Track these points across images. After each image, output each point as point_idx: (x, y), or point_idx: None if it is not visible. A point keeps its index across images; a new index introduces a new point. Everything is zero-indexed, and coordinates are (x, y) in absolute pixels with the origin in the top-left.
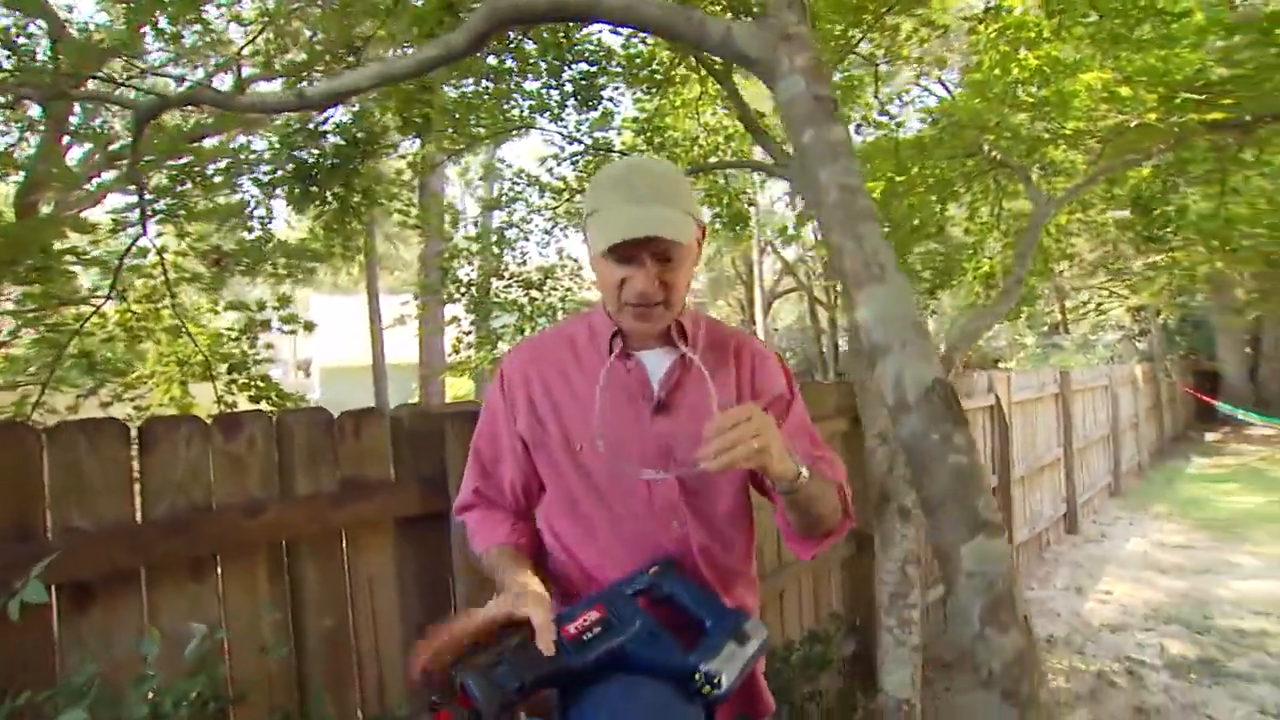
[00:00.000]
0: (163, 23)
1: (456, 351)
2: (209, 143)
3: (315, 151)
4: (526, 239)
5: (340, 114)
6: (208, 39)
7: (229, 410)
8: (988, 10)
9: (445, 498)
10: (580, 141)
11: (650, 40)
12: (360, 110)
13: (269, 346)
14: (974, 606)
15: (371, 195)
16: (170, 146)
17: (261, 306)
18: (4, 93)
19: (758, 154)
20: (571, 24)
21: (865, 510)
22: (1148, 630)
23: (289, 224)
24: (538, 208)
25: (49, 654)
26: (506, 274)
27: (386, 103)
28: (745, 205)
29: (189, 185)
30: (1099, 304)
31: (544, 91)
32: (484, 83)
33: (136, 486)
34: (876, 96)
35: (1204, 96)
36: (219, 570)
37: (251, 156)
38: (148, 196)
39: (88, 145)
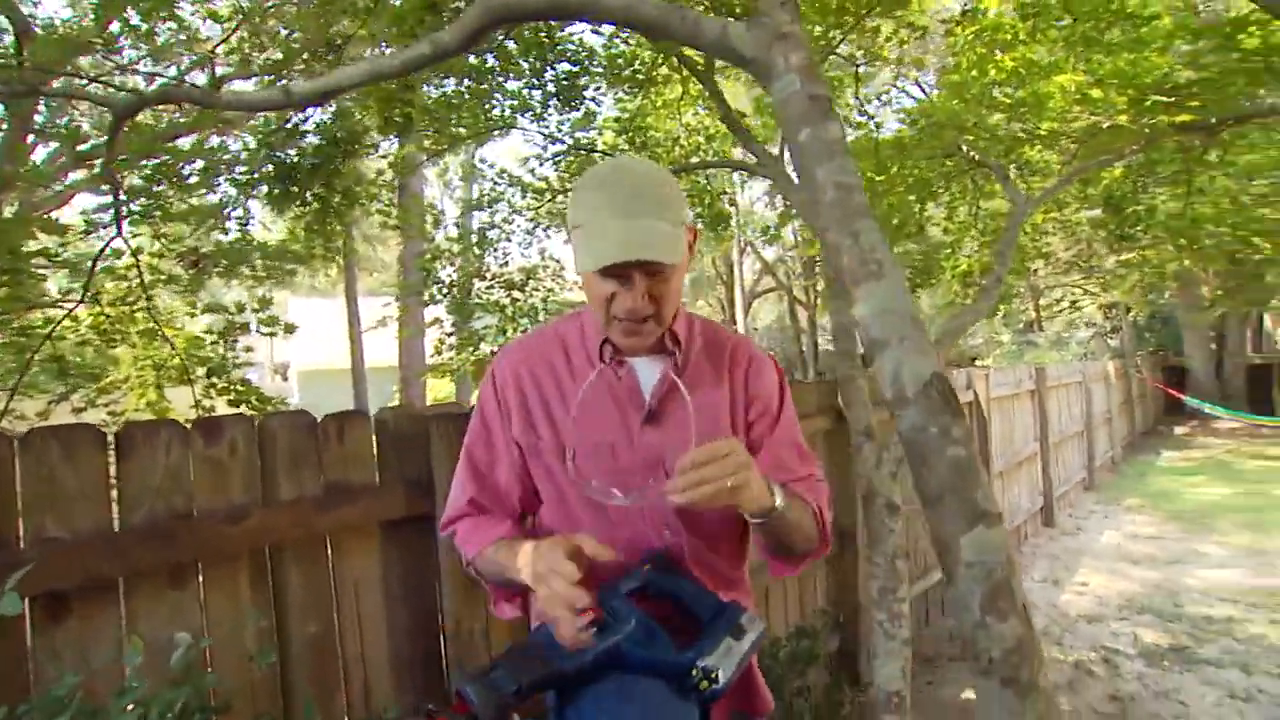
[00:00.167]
0: (135, 19)
1: (438, 353)
2: (182, 143)
3: (295, 151)
4: (508, 239)
5: (319, 113)
6: (183, 36)
7: (208, 415)
8: (965, 13)
9: (431, 500)
10: (562, 141)
11: (633, 40)
12: (340, 109)
13: (248, 349)
14: (974, 595)
15: (352, 196)
16: (146, 146)
17: (241, 309)
18: None
19: (737, 154)
20: (554, 23)
21: (850, 507)
22: (1122, 620)
23: (264, 226)
24: (520, 208)
25: (22, 667)
26: (488, 275)
27: (367, 102)
28: (726, 205)
29: (164, 186)
30: (1074, 301)
31: (526, 91)
32: (465, 82)
33: (114, 494)
34: (857, 97)
35: (1172, 99)
36: (200, 578)
37: (229, 156)
38: (122, 197)
39: (53, 144)
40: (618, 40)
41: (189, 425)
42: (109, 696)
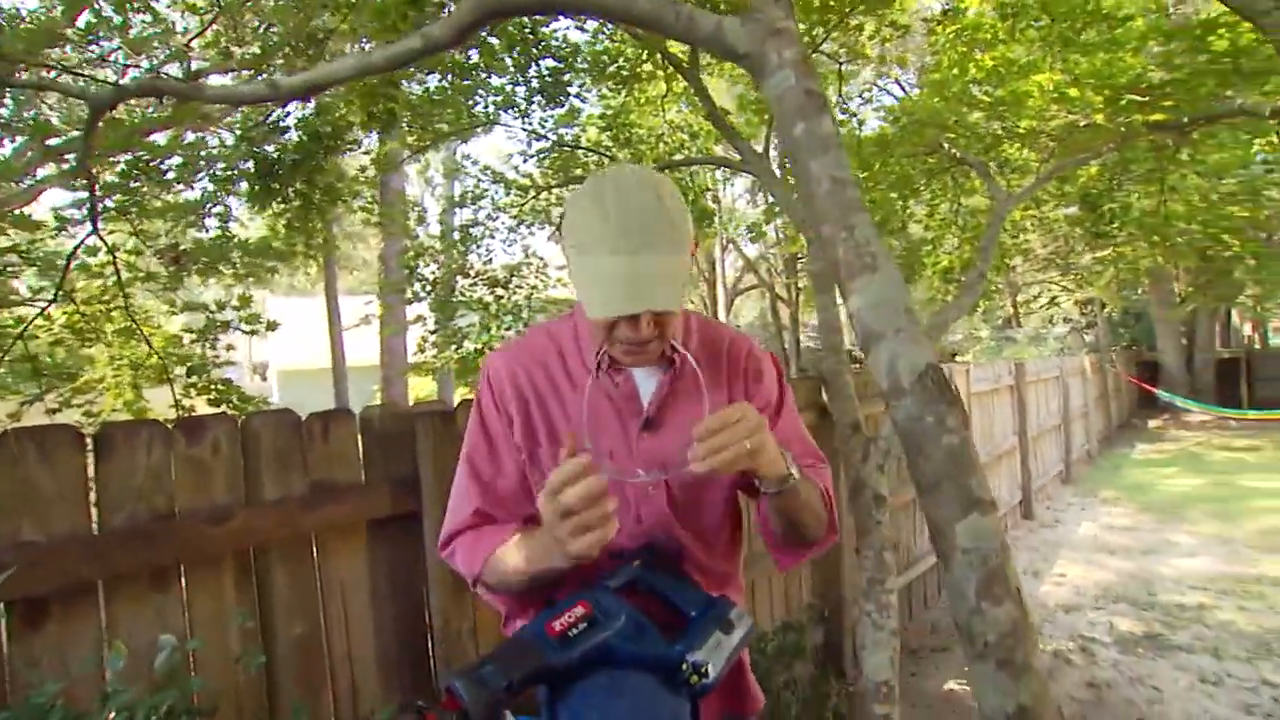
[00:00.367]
0: (108, 9)
1: (421, 351)
2: (158, 138)
3: (276, 147)
4: (491, 237)
5: (299, 109)
6: (158, 29)
7: (188, 414)
8: (945, 12)
9: (417, 499)
10: (546, 138)
11: (617, 36)
12: (321, 105)
13: (230, 348)
14: (969, 581)
15: (334, 192)
16: (122, 141)
17: (221, 307)
18: None
19: (719, 151)
20: (539, 19)
21: (837, 501)
22: (1098, 609)
23: (241, 223)
24: (503, 205)
25: None
26: (471, 272)
27: (349, 97)
28: (709, 203)
29: (142, 182)
30: (1052, 298)
31: (510, 87)
32: (449, 78)
33: (93, 496)
34: (839, 95)
35: (1146, 99)
36: (183, 580)
37: (209, 152)
38: (98, 193)
39: (19, 139)
40: (602, 36)
41: (170, 425)
42: (90, 702)
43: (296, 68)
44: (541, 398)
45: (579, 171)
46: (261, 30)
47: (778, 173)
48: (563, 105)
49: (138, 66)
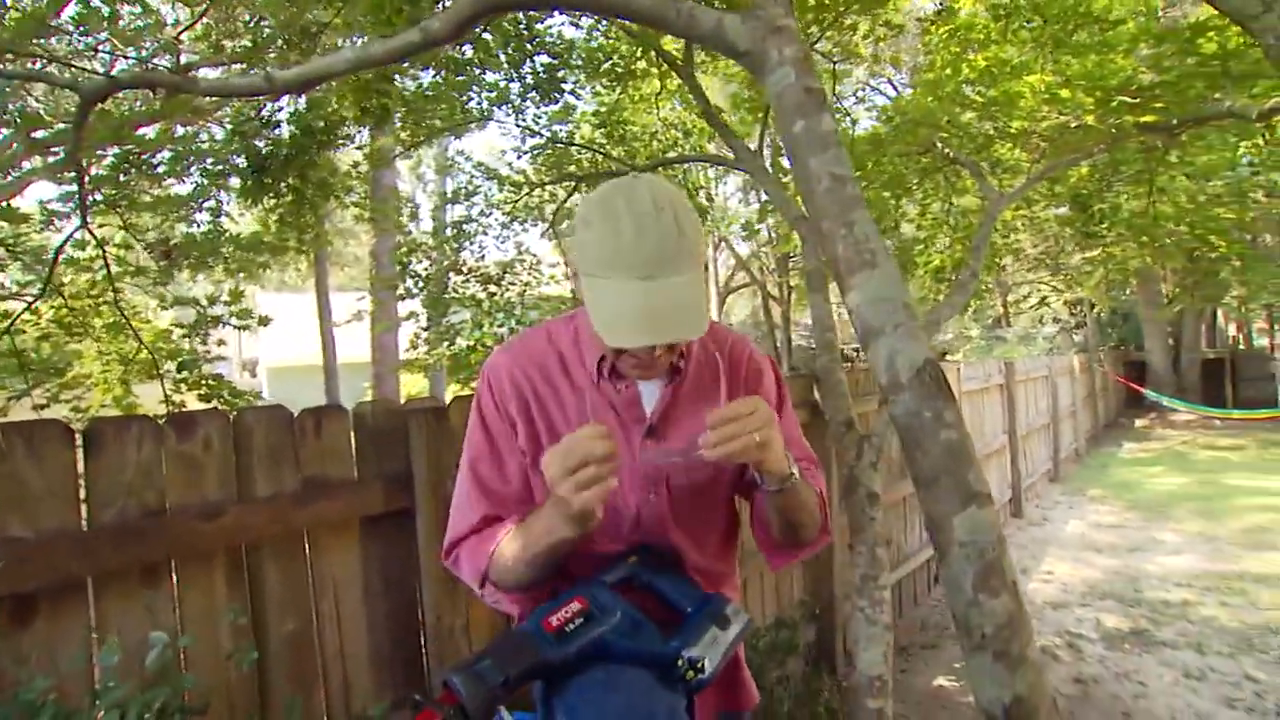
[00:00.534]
0: (96, 0)
1: (414, 347)
2: (146, 131)
3: (269, 141)
4: (484, 233)
5: (291, 103)
6: (149, 21)
7: (178, 410)
8: (939, 12)
9: (410, 495)
10: (540, 134)
11: (612, 33)
12: (313, 99)
13: (221, 343)
14: (966, 574)
15: (327, 187)
16: (113, 134)
17: (212, 301)
18: None
19: (712, 149)
20: (533, 14)
21: (830, 500)
22: (1085, 606)
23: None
24: (497, 202)
25: None
26: (464, 269)
27: (342, 91)
28: (703, 200)
29: (132, 175)
30: (1043, 298)
31: (504, 83)
32: (443, 73)
33: (81, 492)
34: (834, 94)
35: (1136, 100)
36: (174, 577)
37: (202, 146)
38: (87, 186)
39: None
40: (596, 33)
41: (161, 421)
42: (80, 699)
43: (290, 62)
44: (542, 401)
45: (572, 168)
46: (253, 24)
47: (771, 171)
48: (557, 102)
49: (126, 58)
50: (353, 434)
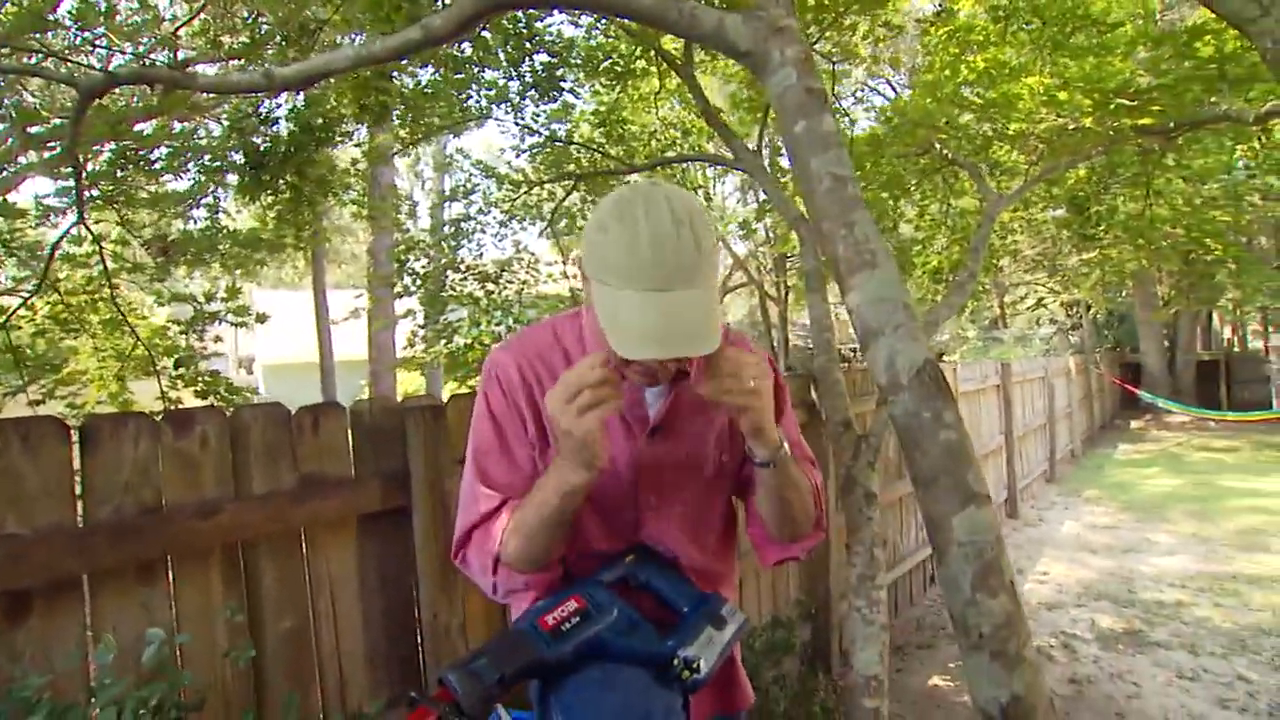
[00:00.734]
0: None
1: (411, 346)
2: (144, 127)
3: (268, 138)
4: (482, 231)
5: (289, 100)
6: (146, 16)
7: (174, 407)
8: (938, 14)
9: (407, 494)
10: (538, 133)
11: (611, 32)
12: (311, 96)
13: (218, 340)
14: (965, 574)
15: (325, 184)
16: (110, 130)
17: (209, 298)
18: None
19: (710, 149)
20: (533, 13)
21: (826, 499)
22: (1080, 606)
23: (229, 214)
24: (495, 200)
25: None
26: (462, 267)
27: (341, 88)
28: (702, 200)
29: (129, 171)
30: (1039, 299)
31: (503, 82)
32: (442, 71)
33: (77, 489)
34: (833, 94)
35: (1134, 103)
36: (170, 574)
37: (201, 142)
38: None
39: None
40: (596, 31)
41: (158, 418)
42: (75, 696)
43: (288, 58)
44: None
45: (571, 167)
46: (251, 20)
47: (770, 170)
48: (555, 100)
49: (124, 54)
50: (350, 432)
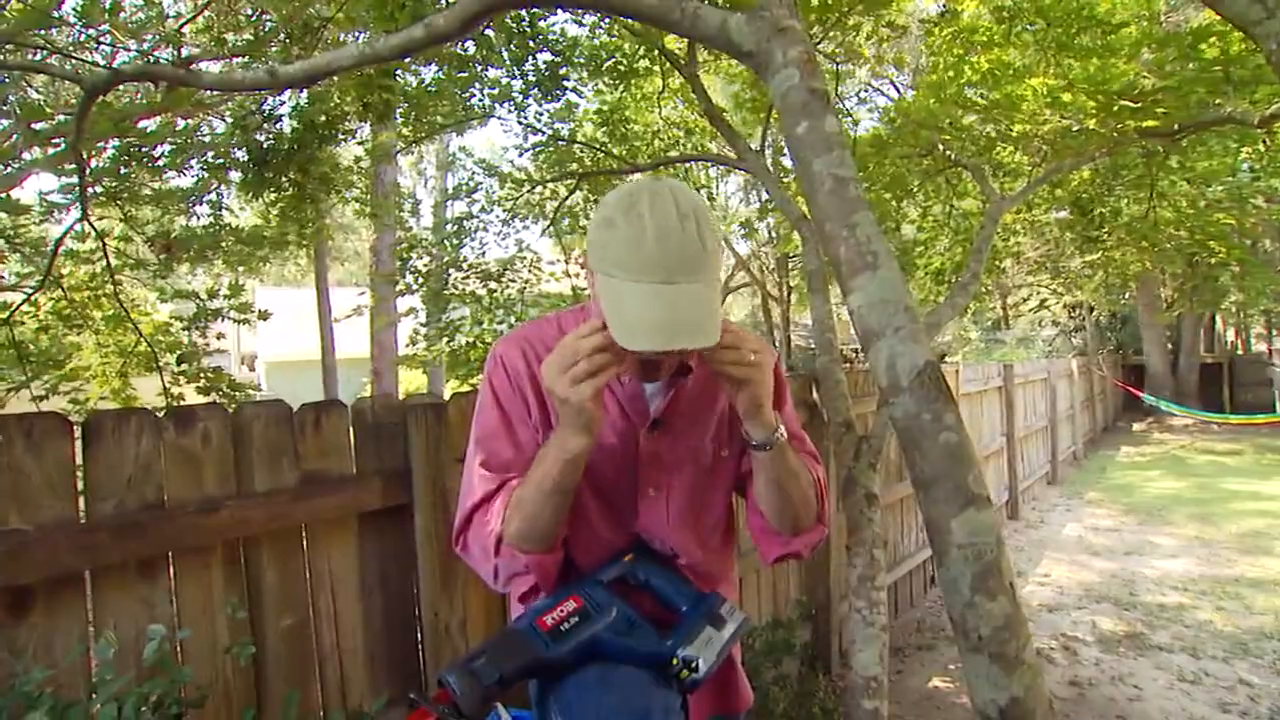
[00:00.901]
0: None
1: (413, 344)
2: (148, 123)
3: (271, 135)
4: (485, 230)
5: (292, 97)
6: (151, 13)
7: (176, 403)
8: (942, 14)
9: (409, 492)
10: (541, 132)
11: (615, 31)
12: (314, 94)
13: (220, 337)
14: (964, 576)
15: (328, 182)
16: (113, 126)
17: (212, 295)
18: None
19: (713, 149)
20: (536, 11)
21: (828, 498)
22: (1081, 609)
23: (233, 211)
24: (499, 199)
25: None
26: (465, 265)
27: (345, 85)
28: (704, 199)
29: (133, 167)
30: (1042, 300)
31: (506, 80)
32: (445, 69)
33: (80, 485)
34: (836, 94)
35: (1138, 105)
36: (172, 571)
37: (205, 139)
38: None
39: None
40: (599, 31)
41: (160, 414)
42: (76, 691)
43: (291, 56)
44: None
45: (574, 166)
46: (256, 17)
47: (773, 170)
48: (559, 99)
49: (128, 51)
50: (352, 430)
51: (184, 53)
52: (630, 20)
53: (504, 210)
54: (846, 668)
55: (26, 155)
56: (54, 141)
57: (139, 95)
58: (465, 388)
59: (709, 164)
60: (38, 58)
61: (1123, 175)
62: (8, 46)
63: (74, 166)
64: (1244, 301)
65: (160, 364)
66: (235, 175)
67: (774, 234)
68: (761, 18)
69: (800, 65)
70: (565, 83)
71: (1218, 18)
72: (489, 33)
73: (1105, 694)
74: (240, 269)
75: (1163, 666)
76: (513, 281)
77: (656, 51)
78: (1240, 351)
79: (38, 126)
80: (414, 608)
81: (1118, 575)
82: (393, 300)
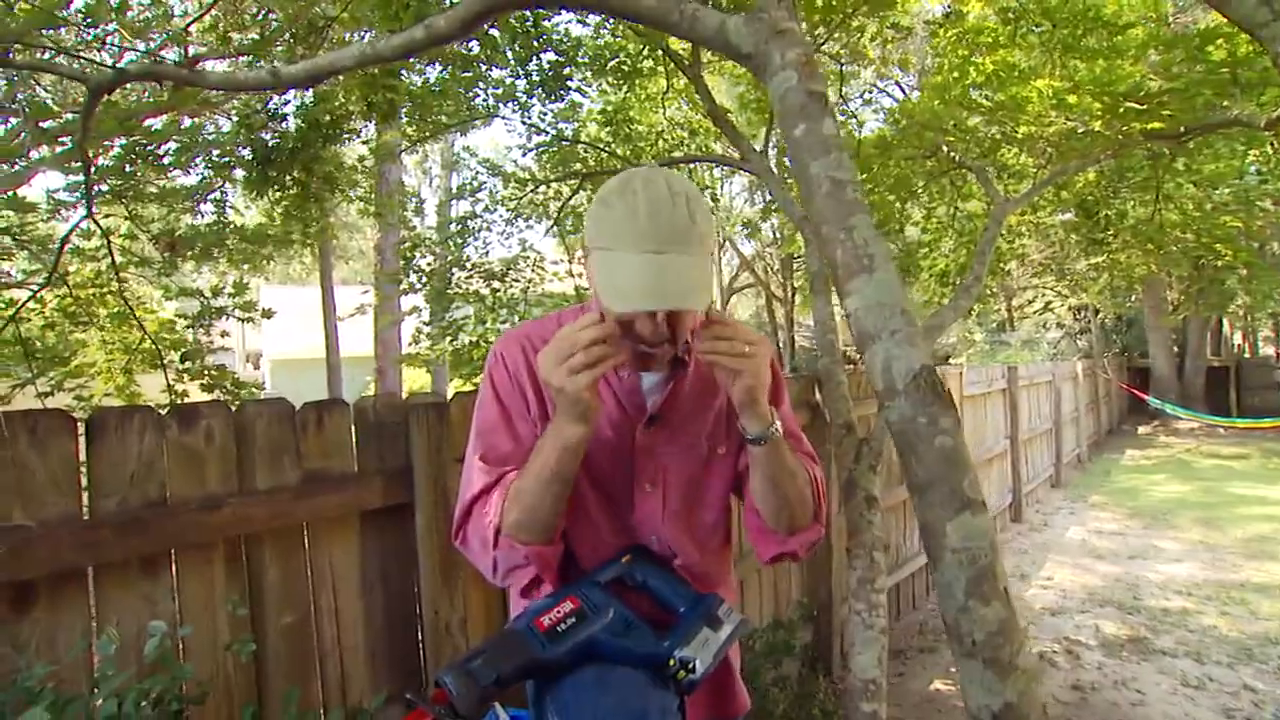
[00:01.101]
0: None
1: (416, 342)
2: (154, 122)
3: (276, 135)
4: (488, 229)
5: (297, 96)
6: (159, 12)
7: (180, 401)
8: (946, 15)
9: (410, 490)
10: (545, 132)
11: (619, 31)
12: (319, 93)
13: (224, 335)
14: (959, 581)
15: (332, 181)
16: (119, 125)
17: (216, 293)
18: None
19: (717, 149)
20: (540, 12)
21: (827, 498)
22: (1084, 613)
23: (237, 210)
24: (503, 198)
25: None
26: (468, 264)
27: (349, 85)
28: (709, 200)
29: (138, 165)
30: (1047, 303)
31: (510, 80)
32: (449, 69)
33: (85, 481)
34: (839, 96)
35: (1144, 107)
36: (174, 568)
37: (210, 137)
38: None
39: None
40: (604, 31)
41: (164, 412)
42: (78, 686)
43: (296, 56)
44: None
45: (578, 166)
46: (261, 16)
47: (776, 171)
48: (562, 100)
49: (134, 50)
50: (354, 428)
51: (190, 52)
52: (632, 21)
53: (508, 210)
54: (846, 670)
55: (34, 153)
56: (61, 140)
57: (145, 94)
58: (468, 387)
59: (713, 164)
60: (45, 57)
61: (1128, 177)
62: (15, 46)
63: (80, 164)
64: (1251, 305)
65: (164, 361)
66: (240, 174)
67: (778, 235)
68: (760, 20)
69: (798, 67)
70: (569, 83)
71: (1225, 20)
72: (493, 33)
73: (1108, 698)
74: (245, 267)
75: (1166, 671)
76: (516, 281)
77: (660, 52)
78: (1247, 355)
79: (45, 125)
80: (415, 605)
81: (1121, 579)
82: (397, 299)
